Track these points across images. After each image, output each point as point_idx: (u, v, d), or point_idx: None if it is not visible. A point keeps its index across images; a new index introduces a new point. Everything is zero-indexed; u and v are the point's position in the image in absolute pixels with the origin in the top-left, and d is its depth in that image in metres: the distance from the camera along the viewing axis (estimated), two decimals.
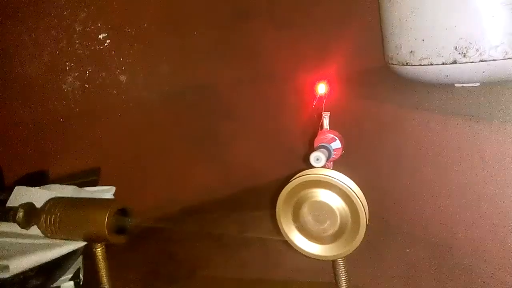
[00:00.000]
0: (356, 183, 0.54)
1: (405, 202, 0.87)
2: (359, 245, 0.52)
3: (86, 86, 1.05)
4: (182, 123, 1.17)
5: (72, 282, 0.56)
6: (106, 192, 0.74)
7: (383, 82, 1.07)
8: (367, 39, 1.12)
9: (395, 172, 0.87)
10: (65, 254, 0.60)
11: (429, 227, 0.82)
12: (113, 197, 0.72)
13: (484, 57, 0.80)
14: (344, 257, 0.58)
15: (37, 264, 0.57)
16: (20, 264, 0.56)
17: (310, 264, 0.78)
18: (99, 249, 0.61)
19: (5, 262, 0.56)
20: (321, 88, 0.60)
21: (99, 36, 1.05)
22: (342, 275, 0.63)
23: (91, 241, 0.60)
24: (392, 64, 0.96)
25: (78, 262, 0.61)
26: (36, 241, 0.62)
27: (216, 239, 0.96)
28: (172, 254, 0.94)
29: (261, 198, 1.14)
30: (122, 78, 1.09)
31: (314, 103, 0.61)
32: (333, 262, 0.64)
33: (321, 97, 0.61)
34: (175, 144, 1.16)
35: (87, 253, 0.63)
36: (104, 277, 0.62)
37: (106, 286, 0.61)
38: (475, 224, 0.73)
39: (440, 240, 0.79)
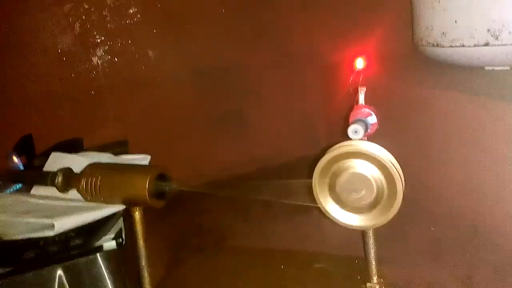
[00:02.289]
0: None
1: (431, 182, 0.88)
2: (395, 215, 0.54)
3: (115, 60, 1.07)
4: (208, 101, 1.19)
5: (114, 242, 0.58)
6: (142, 160, 0.76)
7: (412, 63, 1.07)
8: (396, 19, 1.12)
9: (423, 152, 0.88)
10: (106, 216, 0.62)
11: (455, 206, 0.83)
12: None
13: None
14: (376, 228, 0.60)
15: (81, 224, 0.59)
16: (64, 223, 0.58)
17: (336, 238, 0.80)
18: (137, 213, 0.63)
19: (50, 221, 0.58)
20: (360, 63, 0.61)
21: (130, 10, 1.06)
22: (371, 247, 0.64)
23: (131, 204, 0.62)
24: (422, 45, 0.96)
25: (119, 223, 0.63)
26: (76, 204, 0.64)
27: (242, 211, 0.99)
28: (199, 225, 0.97)
29: (284, 175, 1.16)
30: (151, 53, 1.10)
31: (351, 78, 0.62)
32: (363, 236, 0.66)
33: (358, 72, 0.61)
34: (201, 121, 1.18)
35: (125, 216, 0.65)
36: (141, 241, 0.64)
37: (142, 249, 0.64)
38: (501, 204, 0.74)
39: (465, 220, 0.80)
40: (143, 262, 0.64)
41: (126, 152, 0.99)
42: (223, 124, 1.21)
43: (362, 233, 0.67)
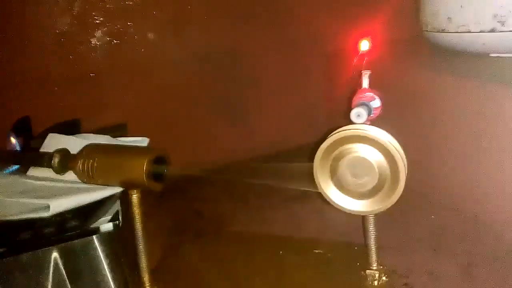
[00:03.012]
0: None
1: (433, 170, 0.87)
2: (397, 201, 0.53)
3: (114, 42, 1.05)
4: (208, 87, 1.17)
5: (111, 224, 0.57)
6: (140, 142, 0.75)
7: (418, 49, 1.05)
8: (402, 3, 1.10)
9: (425, 140, 0.87)
10: (103, 198, 0.61)
11: (456, 196, 0.82)
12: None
13: None
14: (377, 214, 0.59)
15: (77, 206, 0.58)
16: (60, 204, 0.57)
17: (336, 224, 0.80)
18: (135, 195, 0.62)
19: (46, 202, 0.57)
20: (364, 45, 0.59)
21: None
22: (372, 234, 0.63)
23: (128, 187, 0.61)
24: (427, 31, 0.94)
25: (116, 205, 0.62)
26: (73, 185, 0.63)
27: (242, 199, 0.98)
28: (199, 212, 0.96)
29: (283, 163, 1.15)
30: (151, 36, 1.08)
31: (355, 60, 0.60)
32: (363, 222, 0.65)
33: (362, 55, 0.60)
34: (200, 107, 1.17)
35: (122, 199, 0.64)
36: (138, 223, 0.63)
37: (139, 232, 0.63)
38: (502, 193, 0.73)
39: (466, 209, 0.79)
40: (141, 245, 0.63)
41: (125, 136, 0.98)
42: (223, 110, 1.20)
43: (362, 219, 0.66)
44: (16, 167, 0.75)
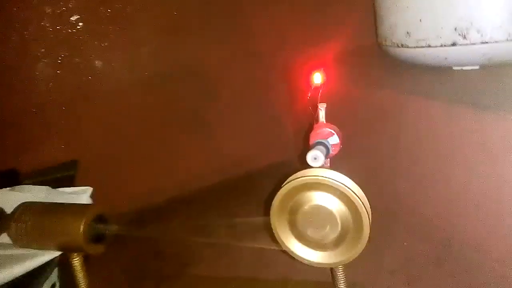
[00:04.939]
0: (354, 179, 0.50)
1: (403, 194, 0.83)
2: (363, 250, 0.48)
3: (58, 73, 0.97)
4: (165, 108, 1.11)
5: None
6: (82, 193, 0.67)
7: (377, 66, 1.01)
8: (358, 18, 1.06)
9: (393, 162, 0.83)
10: (38, 267, 0.54)
11: (428, 220, 0.78)
12: (90, 199, 0.65)
13: (486, 38, 0.75)
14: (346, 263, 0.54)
15: (6, 281, 0.52)
16: None
17: (304, 264, 0.74)
18: (76, 259, 0.55)
19: None
20: (317, 78, 0.54)
21: (71, 18, 0.97)
22: (341, 278, 0.58)
23: (67, 251, 0.55)
24: (386, 45, 0.91)
25: (53, 277, 0.55)
26: (5, 252, 0.56)
27: (205, 233, 0.92)
28: (159, 252, 0.89)
29: (250, 185, 1.10)
30: (98, 63, 1.01)
31: (309, 94, 0.55)
32: (331, 270, 0.60)
33: (316, 87, 0.55)
34: (159, 130, 1.10)
35: (64, 262, 0.58)
36: None
37: None
38: (475, 217, 0.69)
39: (439, 233, 0.76)
40: None
41: (75, 175, 0.91)
42: (183, 130, 1.13)
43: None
44: None
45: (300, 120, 1.20)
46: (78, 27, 0.97)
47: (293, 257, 0.51)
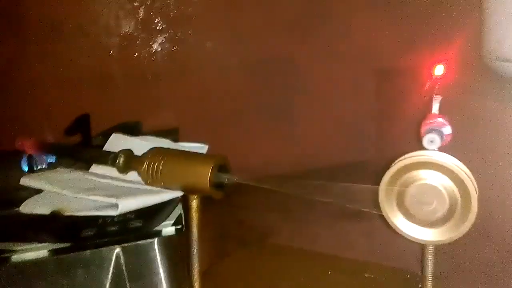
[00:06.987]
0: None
1: (493, 204, 0.84)
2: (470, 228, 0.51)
3: (174, 48, 1.07)
4: (257, 95, 1.18)
5: (173, 228, 0.58)
6: (200, 149, 0.76)
7: (480, 76, 1.01)
8: (464, 29, 1.08)
9: (488, 169, 0.84)
10: (165, 201, 0.62)
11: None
12: None
13: None
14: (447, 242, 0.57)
15: (144, 206, 0.60)
16: (129, 204, 0.58)
17: (387, 250, 0.78)
18: (194, 201, 0.62)
19: (115, 200, 0.58)
20: (439, 69, 0.58)
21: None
22: (430, 263, 0.61)
23: (190, 192, 0.62)
24: (490, 59, 0.92)
25: (179, 209, 0.63)
26: (137, 186, 0.65)
27: (284, 211, 0.97)
28: (241, 221, 0.96)
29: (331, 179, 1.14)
30: (209, 44, 1.10)
31: (427, 85, 0.59)
32: (422, 250, 0.63)
33: (436, 79, 0.59)
34: (250, 114, 1.17)
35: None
36: (195, 229, 0.63)
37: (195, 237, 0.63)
38: None
39: None
40: (195, 251, 0.64)
41: (177, 140, 0.99)
42: (270, 118, 1.20)
43: (421, 247, 0.64)
44: (53, 158, 0.76)
45: (384, 127, 1.23)
46: (198, 8, 1.07)
47: (396, 232, 0.55)
